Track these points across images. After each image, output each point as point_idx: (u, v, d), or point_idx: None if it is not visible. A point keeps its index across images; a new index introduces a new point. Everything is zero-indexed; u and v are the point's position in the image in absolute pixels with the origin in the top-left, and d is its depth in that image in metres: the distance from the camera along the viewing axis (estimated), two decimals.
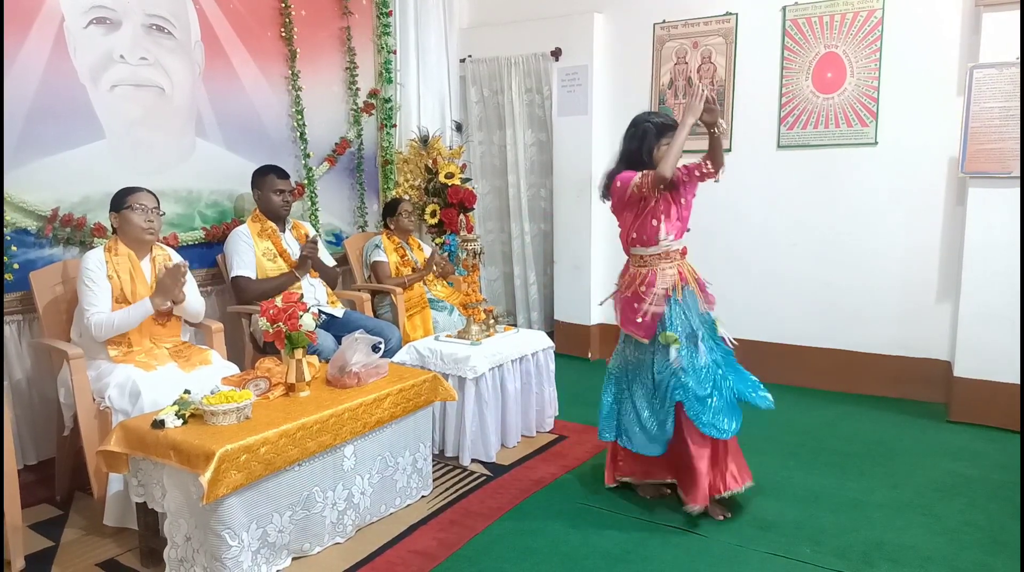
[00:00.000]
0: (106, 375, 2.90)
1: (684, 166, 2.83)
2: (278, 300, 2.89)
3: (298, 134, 4.48)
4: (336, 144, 4.76)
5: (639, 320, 2.88)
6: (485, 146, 5.74)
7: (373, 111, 4.95)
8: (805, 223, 4.52)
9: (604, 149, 5.13)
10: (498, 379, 3.53)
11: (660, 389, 2.86)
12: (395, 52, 5.04)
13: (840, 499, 3.06)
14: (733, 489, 2.86)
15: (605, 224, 5.19)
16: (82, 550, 2.72)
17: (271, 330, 2.77)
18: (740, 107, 4.66)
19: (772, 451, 3.53)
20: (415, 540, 2.77)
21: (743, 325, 4.49)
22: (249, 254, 3.74)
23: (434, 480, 3.23)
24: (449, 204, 4.88)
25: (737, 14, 4.61)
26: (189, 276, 3.24)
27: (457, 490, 3.19)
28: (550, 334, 4.87)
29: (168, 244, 3.60)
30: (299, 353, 2.79)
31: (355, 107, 4.85)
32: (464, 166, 5.10)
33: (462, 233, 4.77)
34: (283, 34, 4.35)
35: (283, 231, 3.90)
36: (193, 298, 3.23)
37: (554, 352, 3.94)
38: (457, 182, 4.88)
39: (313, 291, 3.84)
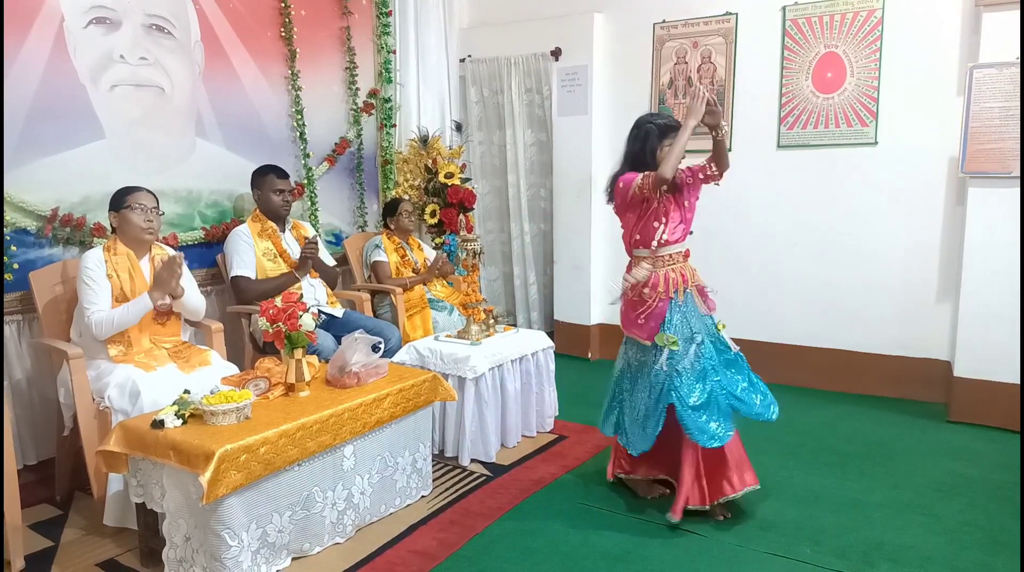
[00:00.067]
0: (106, 375, 2.90)
1: (688, 168, 2.83)
2: (278, 300, 2.89)
3: (298, 134, 4.48)
4: (336, 144, 4.76)
5: (641, 322, 2.89)
6: (485, 146, 5.74)
7: (373, 111, 4.95)
8: (805, 223, 4.52)
9: (604, 149, 5.14)
10: (498, 379, 3.53)
11: (654, 390, 2.87)
12: (395, 52, 5.04)
13: (840, 499, 3.06)
14: (730, 495, 2.84)
15: (605, 224, 5.19)
16: (82, 550, 2.72)
17: (271, 330, 2.77)
18: (740, 107, 4.66)
19: (772, 451, 3.53)
20: (415, 540, 2.77)
21: (743, 325, 4.50)
22: (249, 254, 3.74)
23: (434, 480, 3.23)
24: (449, 204, 4.88)
25: (737, 14, 4.61)
26: (188, 273, 3.24)
27: (457, 490, 3.19)
28: (550, 334, 4.87)
29: (168, 244, 3.60)
30: (299, 353, 2.79)
31: (355, 107, 4.85)
32: (464, 166, 5.10)
33: (462, 233, 4.77)
34: (283, 34, 4.35)
35: (283, 231, 3.90)
36: (192, 294, 3.23)
37: (554, 352, 3.93)
38: (457, 182, 4.88)
39: (313, 291, 3.84)
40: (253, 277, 3.72)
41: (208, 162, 4.01)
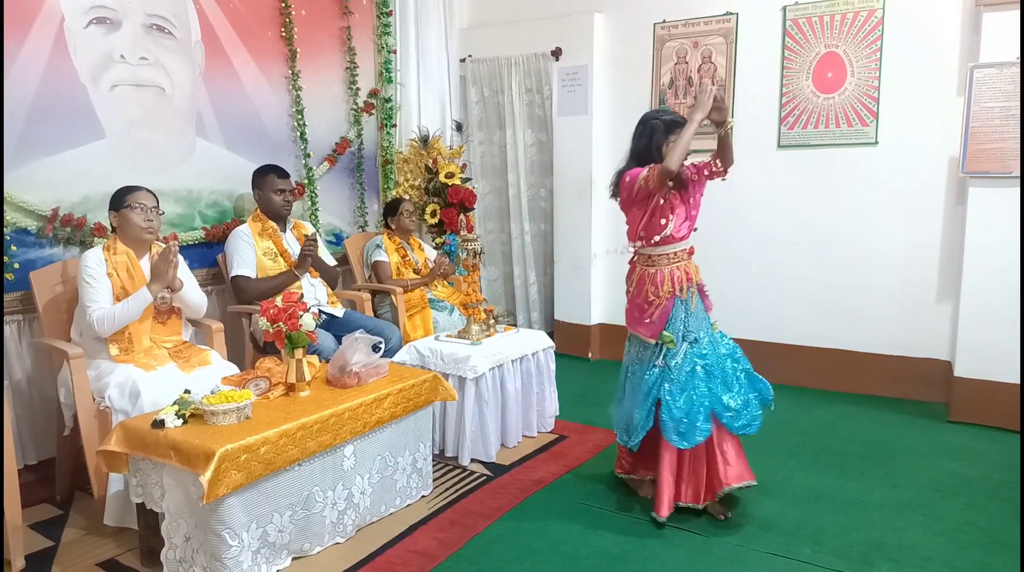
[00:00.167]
0: (106, 375, 2.90)
1: (693, 165, 2.84)
2: (278, 300, 2.89)
3: (298, 134, 4.48)
4: (336, 144, 4.76)
5: (647, 321, 2.88)
6: (485, 146, 5.74)
7: (373, 111, 4.96)
8: (805, 223, 4.52)
9: (604, 149, 5.14)
10: (498, 379, 3.53)
11: (646, 385, 2.89)
12: (395, 52, 5.04)
13: (840, 499, 3.06)
14: (719, 489, 2.83)
15: (605, 224, 5.19)
16: (82, 550, 2.72)
17: (271, 330, 2.77)
18: (740, 107, 4.66)
19: (772, 451, 3.53)
20: (415, 540, 2.77)
21: (743, 325, 4.50)
22: (249, 254, 3.74)
23: (434, 480, 3.23)
24: (449, 204, 4.88)
25: (737, 14, 4.61)
26: (188, 271, 3.24)
27: (457, 490, 3.19)
28: (550, 334, 4.87)
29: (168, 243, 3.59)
30: (299, 353, 2.79)
31: (355, 107, 4.85)
32: (464, 166, 5.10)
33: (462, 233, 4.76)
34: (283, 34, 4.35)
35: (284, 231, 3.91)
36: (192, 289, 3.22)
37: (554, 352, 3.93)
38: (457, 182, 4.88)
39: (313, 291, 3.84)
40: (253, 277, 3.72)
41: (208, 162, 4.01)
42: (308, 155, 4.53)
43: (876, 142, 4.26)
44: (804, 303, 4.57)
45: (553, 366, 3.90)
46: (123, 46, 3.56)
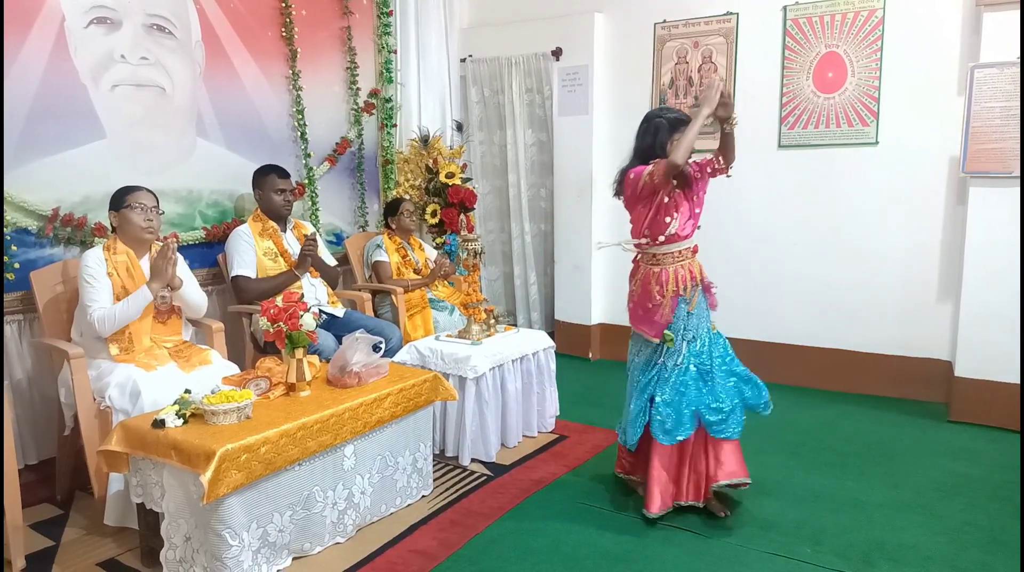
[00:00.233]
0: (106, 375, 2.90)
1: (696, 162, 2.84)
2: (279, 300, 2.89)
3: (299, 134, 4.48)
4: (337, 144, 4.77)
5: (652, 319, 2.88)
6: (486, 146, 5.74)
7: (374, 111, 4.96)
8: (805, 223, 4.52)
9: (605, 149, 5.14)
10: (499, 379, 3.53)
11: (643, 381, 2.92)
12: (396, 52, 5.04)
13: (840, 499, 3.06)
14: (714, 484, 2.84)
15: (605, 224, 5.19)
16: (83, 550, 2.72)
17: (272, 330, 2.77)
18: (741, 107, 4.62)
19: (772, 451, 3.53)
20: (415, 540, 2.78)
21: (743, 325, 4.51)
22: (250, 253, 3.74)
23: (434, 480, 3.23)
24: (450, 204, 4.88)
25: (738, 14, 4.60)
26: (188, 270, 3.24)
27: (457, 490, 3.19)
28: (550, 334, 4.87)
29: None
30: (300, 353, 2.80)
31: (356, 107, 4.85)
32: (464, 166, 5.10)
33: (463, 233, 4.76)
34: (284, 34, 4.35)
35: (284, 231, 3.91)
36: (192, 288, 3.22)
37: (554, 352, 3.93)
38: (458, 182, 4.88)
39: (314, 291, 3.84)
40: (254, 277, 3.73)
41: (209, 162, 4.01)
42: (308, 155, 4.53)
43: (876, 142, 4.26)
44: (804, 303, 4.57)
45: (553, 366, 3.90)
46: (123, 46, 3.57)
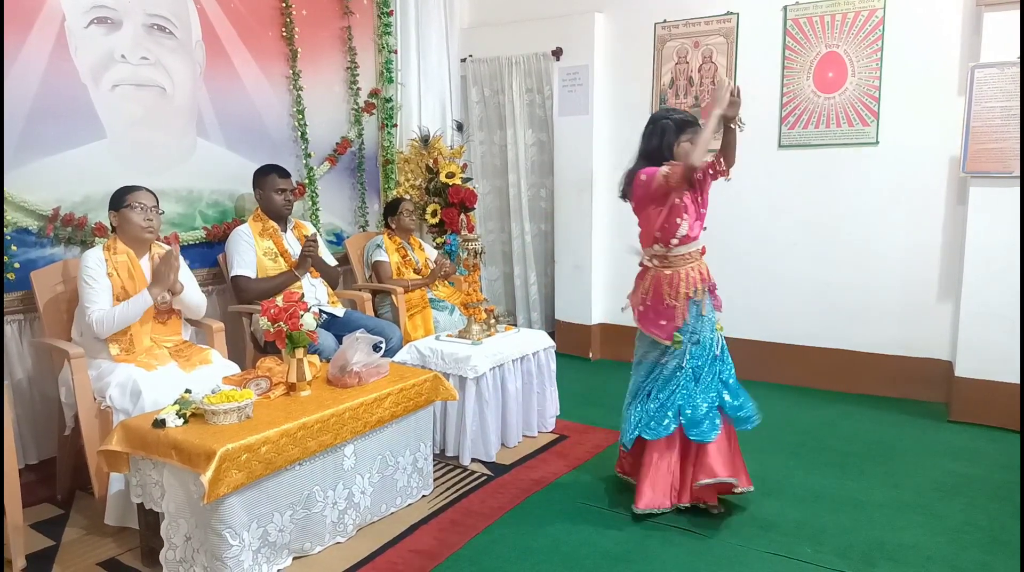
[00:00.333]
0: (107, 374, 2.90)
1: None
2: (279, 300, 2.89)
3: (299, 134, 4.48)
4: (337, 144, 4.77)
5: (663, 322, 2.87)
6: (486, 146, 5.74)
7: (374, 111, 4.96)
8: (805, 223, 4.52)
9: (605, 149, 5.14)
10: (499, 379, 3.53)
11: (640, 381, 2.94)
12: (396, 52, 5.04)
13: (841, 499, 3.06)
14: (702, 480, 2.84)
15: (606, 224, 5.19)
16: (83, 549, 2.72)
17: (272, 329, 2.77)
18: (741, 107, 4.64)
19: (772, 451, 3.53)
20: (416, 540, 2.78)
21: (743, 325, 4.51)
22: (250, 253, 3.74)
23: (435, 480, 3.23)
24: (450, 204, 4.88)
25: (738, 14, 4.60)
26: (188, 271, 3.24)
27: (458, 490, 3.19)
28: (551, 334, 4.88)
29: (168, 243, 3.59)
30: (300, 352, 2.80)
31: (356, 107, 4.85)
32: (465, 166, 5.10)
33: (463, 233, 4.76)
34: (284, 34, 4.35)
35: (284, 231, 3.91)
36: (192, 291, 3.23)
37: (555, 352, 3.93)
38: (458, 182, 4.88)
39: (314, 291, 3.84)
40: (253, 276, 3.73)
41: (209, 162, 4.01)
42: (309, 155, 4.53)
43: (877, 142, 4.26)
44: (804, 303, 4.57)
45: (554, 366, 3.90)
46: (124, 46, 3.57)
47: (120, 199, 3.08)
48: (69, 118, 3.39)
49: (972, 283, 3.86)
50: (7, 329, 3.22)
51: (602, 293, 5.31)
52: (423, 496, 3.11)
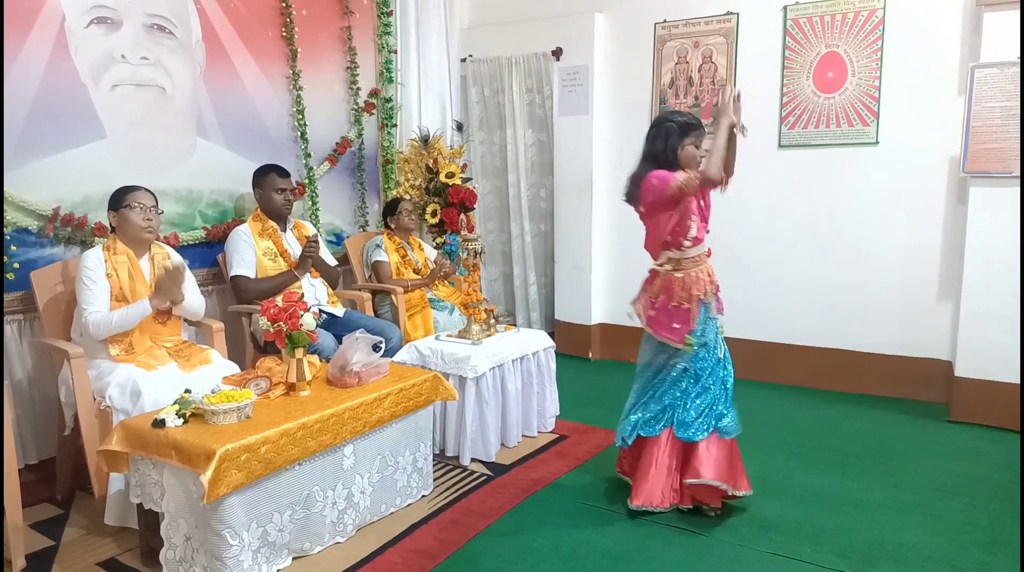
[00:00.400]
0: (106, 374, 2.90)
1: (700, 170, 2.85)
2: (279, 300, 2.89)
3: (299, 134, 4.48)
4: (337, 144, 4.77)
5: (676, 325, 2.86)
6: (486, 146, 5.74)
7: (374, 111, 4.96)
8: (805, 223, 4.52)
9: (605, 149, 5.14)
10: (499, 379, 3.53)
11: (649, 382, 2.95)
12: (396, 52, 5.04)
13: (841, 499, 3.06)
14: (690, 479, 2.83)
15: (605, 224, 5.19)
16: (83, 549, 2.72)
17: (272, 329, 2.77)
18: (741, 106, 4.65)
19: (772, 451, 3.53)
20: (415, 539, 2.78)
21: (743, 325, 4.51)
22: (249, 253, 3.74)
23: (434, 480, 3.23)
24: (450, 204, 4.88)
25: (738, 14, 4.60)
26: (189, 275, 3.24)
27: (457, 490, 3.19)
28: (551, 334, 4.88)
29: (169, 243, 3.60)
30: (300, 352, 2.80)
31: (356, 107, 4.85)
32: (465, 166, 5.10)
33: (463, 233, 4.77)
34: (284, 34, 4.35)
35: (284, 231, 3.91)
36: (192, 296, 3.23)
37: (555, 352, 3.93)
38: (458, 182, 4.88)
39: (313, 291, 3.84)
40: (253, 277, 3.73)
41: (209, 162, 4.01)
42: (309, 155, 4.53)
43: (877, 142, 4.26)
44: (804, 303, 4.57)
45: (553, 366, 3.90)
46: (124, 46, 3.57)
47: (119, 199, 3.08)
48: (69, 118, 3.39)
49: (972, 283, 3.86)
50: (7, 329, 3.22)
51: (602, 293, 5.31)
52: (423, 496, 3.11)
